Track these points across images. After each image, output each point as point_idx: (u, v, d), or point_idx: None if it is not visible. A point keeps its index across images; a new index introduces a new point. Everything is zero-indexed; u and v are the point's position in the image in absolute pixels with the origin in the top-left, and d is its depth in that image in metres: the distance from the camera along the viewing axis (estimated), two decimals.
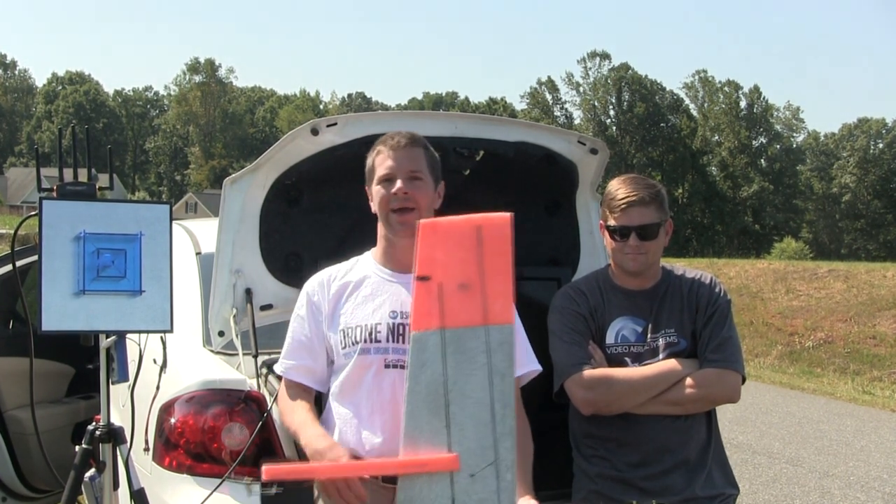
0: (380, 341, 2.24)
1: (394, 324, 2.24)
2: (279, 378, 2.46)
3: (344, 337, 2.28)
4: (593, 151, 3.15)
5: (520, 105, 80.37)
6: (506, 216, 2.03)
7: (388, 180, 2.26)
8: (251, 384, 2.77)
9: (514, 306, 2.03)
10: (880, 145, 72.61)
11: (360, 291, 2.32)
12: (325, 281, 2.38)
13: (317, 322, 2.35)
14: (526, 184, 3.26)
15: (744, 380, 2.59)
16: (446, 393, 1.96)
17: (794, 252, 48.66)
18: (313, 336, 2.35)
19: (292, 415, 2.31)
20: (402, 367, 2.20)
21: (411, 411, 1.98)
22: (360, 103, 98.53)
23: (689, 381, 2.52)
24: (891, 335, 15.40)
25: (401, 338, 2.23)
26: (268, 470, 1.94)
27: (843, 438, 8.33)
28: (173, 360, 2.91)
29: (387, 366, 2.22)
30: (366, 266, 2.37)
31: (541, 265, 3.41)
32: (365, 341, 2.24)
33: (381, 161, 2.29)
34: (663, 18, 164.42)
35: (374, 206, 2.32)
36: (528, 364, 2.30)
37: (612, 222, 2.57)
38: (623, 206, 2.53)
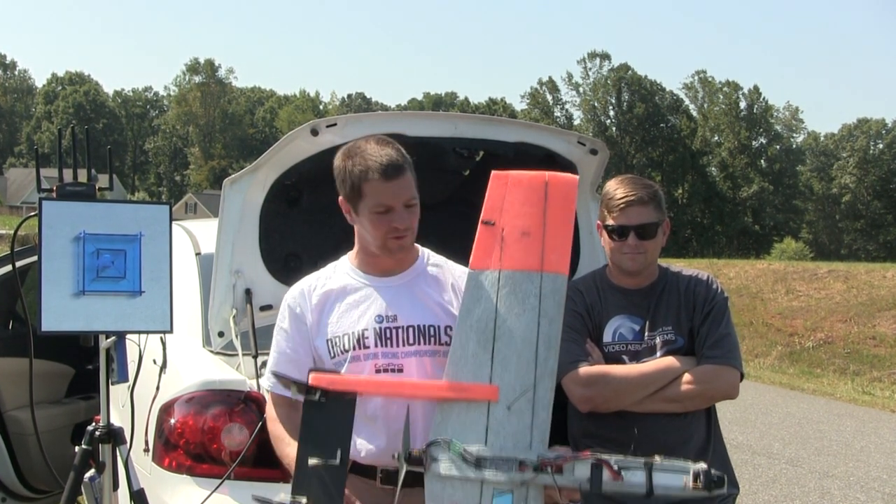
0: (368, 347, 2.20)
1: (381, 328, 2.21)
2: None
3: (331, 346, 2.24)
4: (593, 152, 3.15)
5: (520, 105, 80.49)
6: (573, 177, 2.18)
7: (385, 212, 2.16)
8: (251, 385, 2.77)
9: (569, 260, 2.11)
10: (880, 146, 72.58)
11: (343, 299, 2.27)
12: (305, 291, 2.31)
13: (301, 333, 2.28)
14: None
15: (742, 377, 2.59)
16: (495, 328, 2.05)
17: (794, 252, 48.71)
18: (298, 348, 2.28)
19: (281, 444, 2.23)
20: (394, 371, 2.19)
21: (459, 341, 2.07)
22: (359, 104, 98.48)
23: (686, 377, 2.52)
24: (891, 335, 15.40)
25: (389, 342, 2.20)
26: (315, 377, 2.02)
27: (842, 439, 8.33)
28: (173, 361, 2.91)
29: (377, 371, 2.19)
30: (345, 273, 2.32)
31: None
32: (354, 349, 2.21)
33: (373, 191, 2.14)
34: (663, 18, 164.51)
35: (364, 231, 2.23)
36: None
37: (610, 222, 2.57)
38: (622, 205, 2.53)
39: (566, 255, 2.10)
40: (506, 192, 2.17)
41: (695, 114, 75.45)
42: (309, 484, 1.95)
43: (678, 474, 1.90)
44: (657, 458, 1.93)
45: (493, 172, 2.17)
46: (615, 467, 1.92)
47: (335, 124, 2.87)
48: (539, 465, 1.94)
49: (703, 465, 1.90)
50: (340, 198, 2.25)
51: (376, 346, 2.20)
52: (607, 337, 2.62)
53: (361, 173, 2.15)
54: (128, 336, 2.54)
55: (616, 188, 2.58)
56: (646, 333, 2.61)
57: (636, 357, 2.58)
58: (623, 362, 2.58)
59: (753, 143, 72.90)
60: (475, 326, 2.07)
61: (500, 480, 1.95)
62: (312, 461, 1.95)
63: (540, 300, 2.06)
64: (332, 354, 2.24)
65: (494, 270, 2.09)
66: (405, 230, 2.18)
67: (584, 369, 2.52)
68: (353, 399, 2.03)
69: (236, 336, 2.98)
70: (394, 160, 2.14)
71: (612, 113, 74.95)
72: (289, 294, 2.35)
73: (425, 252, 2.36)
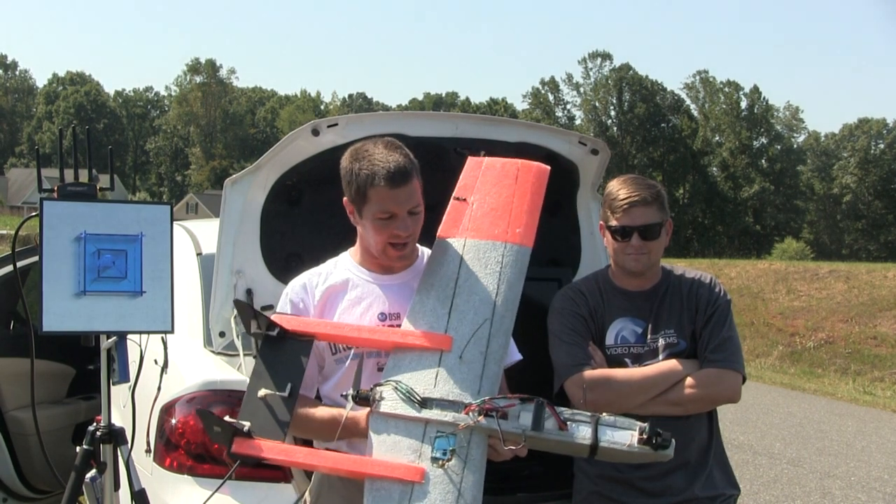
0: None
1: (384, 327, 2.20)
2: None
3: (333, 343, 2.23)
4: (594, 152, 3.15)
5: (521, 105, 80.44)
6: (545, 166, 2.31)
7: (388, 218, 2.13)
8: None
9: (533, 237, 2.18)
10: (881, 145, 72.48)
11: (345, 296, 2.25)
12: (307, 285, 2.29)
13: None
14: None
15: (744, 380, 2.59)
16: (455, 287, 2.12)
17: (795, 252, 48.61)
18: None
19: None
20: None
21: (419, 298, 2.12)
22: (360, 104, 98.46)
23: (689, 381, 2.52)
24: (892, 335, 15.39)
25: None
26: (275, 317, 2.12)
27: (844, 439, 8.33)
28: (174, 361, 2.91)
29: (380, 369, 2.18)
30: (347, 269, 2.30)
31: (541, 266, 3.41)
32: (357, 346, 2.20)
33: (377, 196, 2.11)
34: (664, 18, 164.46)
35: (366, 234, 2.21)
36: (510, 354, 2.26)
37: (613, 222, 2.57)
38: (625, 206, 2.53)
39: (532, 230, 2.19)
40: (479, 173, 2.29)
41: (696, 114, 75.40)
42: (255, 411, 2.00)
43: (625, 430, 1.89)
44: (604, 414, 1.92)
45: (469, 157, 2.27)
46: (562, 416, 1.90)
47: (336, 124, 2.87)
48: (485, 408, 1.92)
49: (649, 424, 1.89)
50: (345, 199, 2.24)
51: None
52: (610, 339, 2.61)
53: (368, 178, 2.12)
54: (129, 336, 2.54)
55: (619, 188, 2.57)
56: (648, 336, 2.60)
57: (639, 360, 2.58)
58: (625, 365, 2.58)
59: (754, 142, 72.82)
60: (436, 284, 2.12)
61: (444, 421, 1.94)
62: (262, 392, 2.00)
63: (502, 266, 2.12)
64: (334, 351, 2.24)
65: (460, 238, 2.18)
66: (407, 237, 2.16)
67: (588, 373, 2.51)
68: (311, 340, 2.10)
69: (237, 336, 2.97)
70: (401, 166, 2.11)
71: (612, 113, 74.89)
72: (290, 288, 2.33)
73: (425, 251, 2.35)
